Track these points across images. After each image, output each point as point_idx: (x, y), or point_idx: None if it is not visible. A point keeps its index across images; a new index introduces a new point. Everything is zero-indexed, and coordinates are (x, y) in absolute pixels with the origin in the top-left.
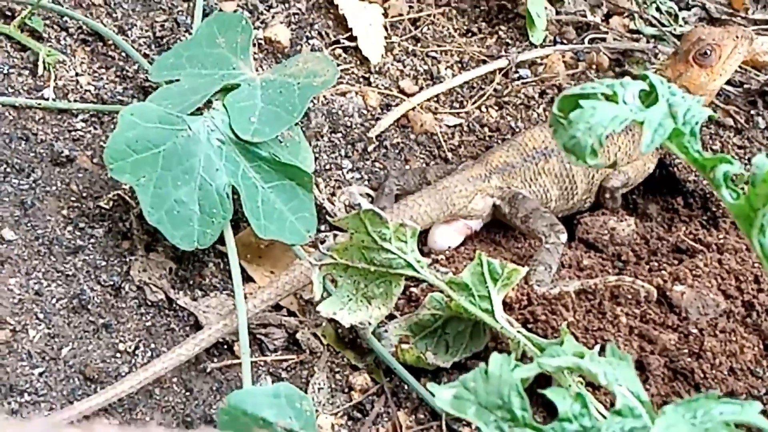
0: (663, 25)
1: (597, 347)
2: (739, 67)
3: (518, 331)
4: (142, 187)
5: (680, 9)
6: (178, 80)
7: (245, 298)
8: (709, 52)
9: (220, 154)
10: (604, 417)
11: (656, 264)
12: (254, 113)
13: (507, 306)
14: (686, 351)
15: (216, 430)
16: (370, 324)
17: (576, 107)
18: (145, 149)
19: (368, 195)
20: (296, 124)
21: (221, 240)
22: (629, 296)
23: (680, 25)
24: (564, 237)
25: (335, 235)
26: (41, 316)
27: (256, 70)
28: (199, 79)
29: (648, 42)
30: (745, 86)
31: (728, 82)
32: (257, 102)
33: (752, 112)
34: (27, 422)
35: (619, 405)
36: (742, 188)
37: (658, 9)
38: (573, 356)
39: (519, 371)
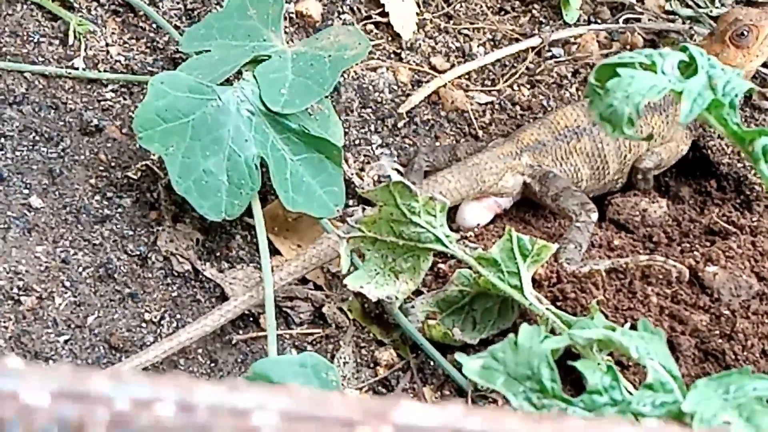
0: (699, 6)
1: (627, 325)
2: None
3: (547, 308)
4: (171, 157)
5: None
6: (208, 51)
7: (272, 270)
8: (746, 33)
9: (250, 125)
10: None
11: (688, 245)
12: (284, 85)
13: (536, 283)
14: (717, 332)
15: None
16: (397, 299)
17: (614, 76)
18: (174, 118)
19: (397, 171)
20: (326, 97)
21: (248, 212)
22: (660, 276)
23: (716, 7)
24: (595, 216)
25: (364, 209)
26: (67, 284)
27: (287, 43)
28: (229, 50)
29: (683, 23)
30: None
31: (764, 64)
32: (288, 74)
33: None
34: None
35: (651, 379)
36: None
37: None
38: (604, 329)
39: (549, 342)
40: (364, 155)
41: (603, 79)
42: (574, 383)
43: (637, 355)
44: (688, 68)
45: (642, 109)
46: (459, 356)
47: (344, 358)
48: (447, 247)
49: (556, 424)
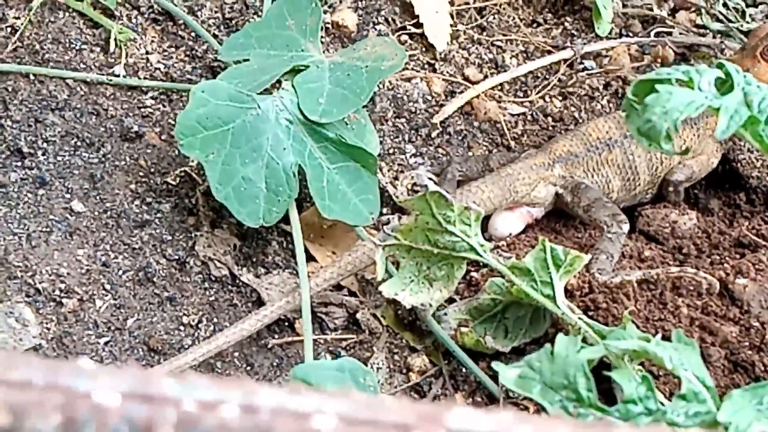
0: (730, 21)
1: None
2: None
3: (579, 318)
4: (211, 164)
5: (747, 6)
6: (247, 60)
7: (308, 276)
8: None
9: (288, 134)
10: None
11: (718, 257)
12: (322, 94)
13: (568, 293)
14: (747, 344)
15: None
16: (431, 306)
17: (651, 92)
18: (215, 126)
19: (431, 180)
20: (363, 107)
21: (284, 219)
22: (691, 287)
23: (747, 22)
24: (626, 227)
25: (399, 217)
26: (108, 287)
27: (324, 53)
28: (268, 60)
29: (714, 37)
30: None
31: None
32: (325, 84)
33: None
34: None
35: (684, 389)
36: None
37: (725, 5)
38: (639, 340)
39: (585, 353)
40: (398, 164)
41: (641, 94)
42: (604, 393)
43: (671, 366)
44: (724, 85)
45: (679, 125)
46: (496, 365)
47: (377, 363)
48: (481, 256)
49: (604, 430)
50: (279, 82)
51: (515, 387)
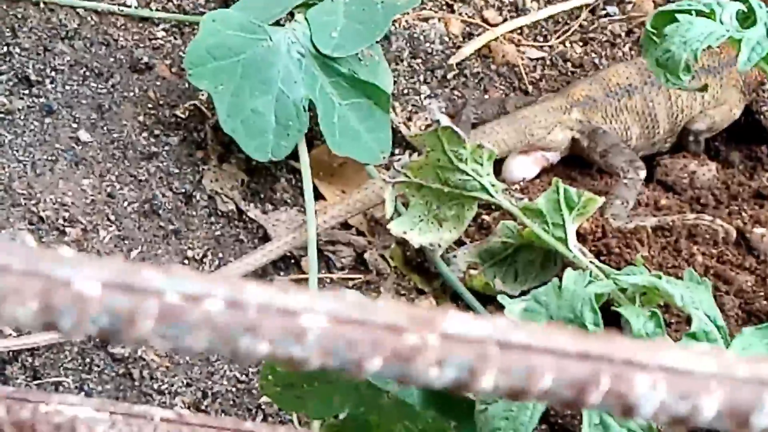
0: None
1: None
2: None
3: (590, 261)
4: (220, 95)
5: None
6: None
7: (315, 213)
8: None
9: (299, 67)
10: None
11: (736, 208)
12: (336, 28)
13: (581, 237)
14: (762, 294)
15: None
16: (439, 246)
17: (671, 23)
18: (225, 57)
19: (444, 115)
20: (377, 42)
21: (294, 156)
22: (707, 236)
23: None
24: (643, 173)
25: (410, 154)
26: (112, 217)
27: None
28: None
29: None
30: None
31: None
32: (339, 18)
33: None
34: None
35: (695, 328)
36: None
37: None
38: (650, 276)
39: (593, 287)
40: (412, 105)
41: (660, 25)
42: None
43: (682, 303)
44: (747, 20)
45: (699, 55)
46: (501, 298)
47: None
48: (492, 196)
49: (605, 343)
50: (292, 14)
51: (520, 320)
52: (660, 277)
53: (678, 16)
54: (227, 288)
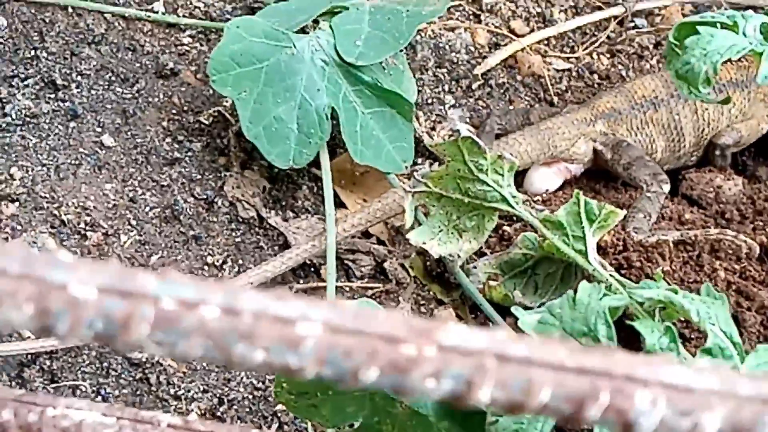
0: None
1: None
2: None
3: (611, 275)
4: (243, 101)
5: None
6: (286, 0)
7: (336, 221)
8: None
9: (323, 75)
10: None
11: (761, 223)
12: (360, 37)
13: (601, 250)
14: None
15: None
16: (459, 257)
17: (693, 34)
18: (248, 63)
19: (468, 131)
20: (401, 52)
21: (315, 164)
22: (730, 251)
23: None
24: (667, 187)
25: (431, 164)
26: (134, 222)
27: None
28: (307, 0)
29: None
30: None
31: None
32: (364, 26)
33: None
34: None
35: (710, 344)
36: None
37: None
38: (666, 291)
39: (608, 300)
40: (436, 114)
41: (682, 37)
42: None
43: (698, 319)
44: None
45: (719, 68)
46: (515, 309)
47: (403, 314)
48: (513, 207)
49: (604, 357)
50: (317, 22)
51: (534, 333)
52: (676, 292)
53: (699, 28)
54: (223, 295)
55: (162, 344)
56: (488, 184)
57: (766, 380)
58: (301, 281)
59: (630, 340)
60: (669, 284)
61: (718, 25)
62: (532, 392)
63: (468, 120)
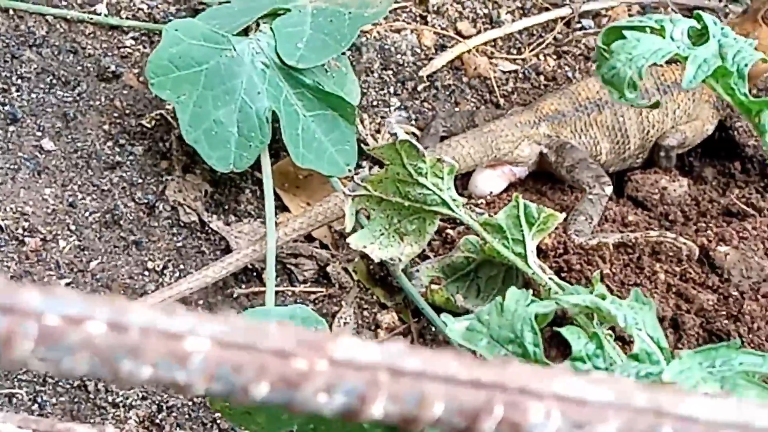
0: None
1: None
2: None
3: (550, 278)
4: (182, 105)
5: None
6: (228, 2)
7: (277, 225)
8: None
9: (263, 78)
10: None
11: (704, 225)
12: (302, 39)
13: (542, 253)
14: (724, 313)
15: None
16: (400, 261)
17: (620, 39)
18: (187, 66)
19: (413, 134)
20: (344, 54)
21: (259, 167)
22: (671, 253)
23: None
24: (609, 189)
25: (371, 168)
26: (73, 227)
27: None
28: (249, 2)
29: (719, 0)
30: None
31: None
32: (306, 29)
33: None
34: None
35: (637, 349)
36: None
37: None
38: (593, 296)
39: (534, 307)
40: (381, 117)
41: (610, 41)
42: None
43: (624, 324)
44: (701, 37)
45: (645, 73)
46: (445, 317)
47: (345, 318)
48: (453, 210)
49: (497, 369)
50: (258, 24)
51: (462, 340)
52: (604, 297)
53: (626, 32)
54: (109, 310)
55: (46, 361)
56: (428, 188)
57: (661, 391)
58: (243, 286)
59: (568, 345)
60: (610, 288)
61: (647, 29)
62: (425, 406)
63: (414, 122)
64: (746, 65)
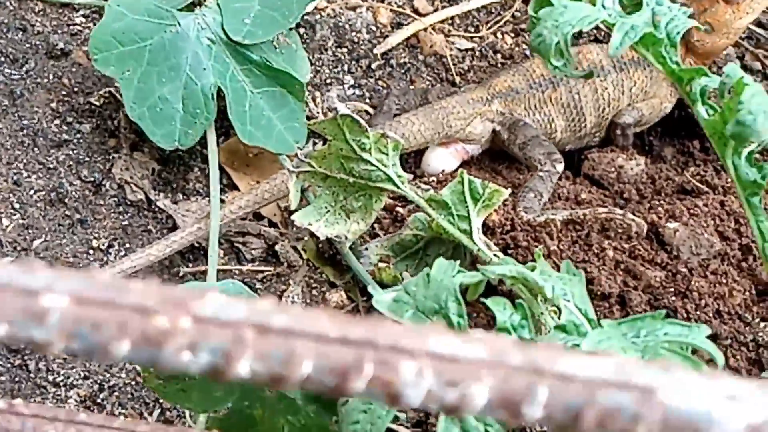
0: None
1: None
2: None
3: (495, 254)
4: (126, 81)
5: None
6: None
7: (223, 203)
8: None
9: (209, 54)
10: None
11: (657, 203)
12: (249, 15)
13: (489, 230)
14: (672, 290)
15: None
16: (347, 238)
17: (549, 6)
18: (131, 42)
19: (366, 112)
20: (292, 29)
21: (207, 145)
22: (619, 230)
23: None
24: (560, 167)
25: (315, 143)
26: (17, 206)
27: None
28: None
29: None
30: None
31: (760, 25)
32: (254, 4)
33: None
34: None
35: (564, 320)
36: (721, 106)
37: None
38: (521, 267)
39: (460, 277)
40: (337, 95)
41: (539, 9)
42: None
43: (552, 295)
44: (636, 6)
45: (570, 40)
46: (372, 289)
47: (292, 297)
48: (398, 187)
49: (369, 327)
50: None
51: (388, 311)
52: (533, 269)
53: (554, 0)
54: None
55: None
56: (372, 164)
57: (537, 349)
58: (190, 265)
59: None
60: (556, 264)
61: None
62: (293, 364)
63: (368, 100)
64: (678, 33)
